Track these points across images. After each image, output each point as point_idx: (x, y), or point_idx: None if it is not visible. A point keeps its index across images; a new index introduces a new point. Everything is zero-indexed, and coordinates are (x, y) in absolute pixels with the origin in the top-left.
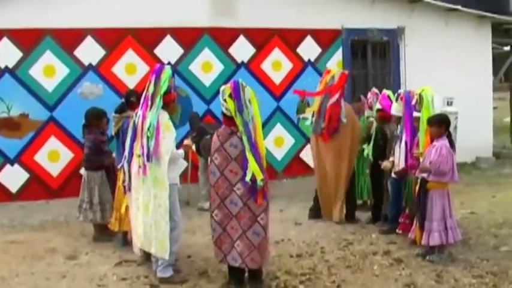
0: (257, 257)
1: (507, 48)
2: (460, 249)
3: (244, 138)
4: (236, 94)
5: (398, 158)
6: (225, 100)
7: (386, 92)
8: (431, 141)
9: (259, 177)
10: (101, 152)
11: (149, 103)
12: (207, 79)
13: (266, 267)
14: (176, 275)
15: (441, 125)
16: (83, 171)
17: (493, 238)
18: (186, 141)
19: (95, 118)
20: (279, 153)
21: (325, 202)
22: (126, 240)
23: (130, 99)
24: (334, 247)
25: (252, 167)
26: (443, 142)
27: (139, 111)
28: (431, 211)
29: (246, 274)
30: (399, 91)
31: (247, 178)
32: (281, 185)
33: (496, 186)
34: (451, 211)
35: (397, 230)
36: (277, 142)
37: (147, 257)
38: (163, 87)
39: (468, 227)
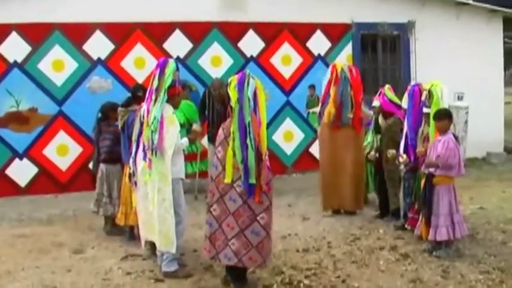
0: (256, 256)
1: None
2: (468, 244)
3: (236, 136)
4: (240, 86)
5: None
6: (229, 91)
7: (385, 87)
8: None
9: (251, 179)
10: (120, 145)
11: (153, 97)
12: (216, 73)
13: (268, 266)
14: (181, 269)
15: (450, 118)
16: (91, 165)
17: (501, 234)
18: (195, 126)
19: (112, 111)
20: (289, 148)
21: (333, 192)
22: (132, 235)
23: (137, 94)
24: (341, 242)
25: (228, 165)
26: (449, 136)
27: (144, 106)
28: (438, 206)
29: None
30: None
31: (226, 179)
32: (290, 179)
33: (507, 181)
34: (458, 206)
35: (405, 225)
36: (287, 137)
37: (153, 251)
38: (168, 81)
39: (476, 222)
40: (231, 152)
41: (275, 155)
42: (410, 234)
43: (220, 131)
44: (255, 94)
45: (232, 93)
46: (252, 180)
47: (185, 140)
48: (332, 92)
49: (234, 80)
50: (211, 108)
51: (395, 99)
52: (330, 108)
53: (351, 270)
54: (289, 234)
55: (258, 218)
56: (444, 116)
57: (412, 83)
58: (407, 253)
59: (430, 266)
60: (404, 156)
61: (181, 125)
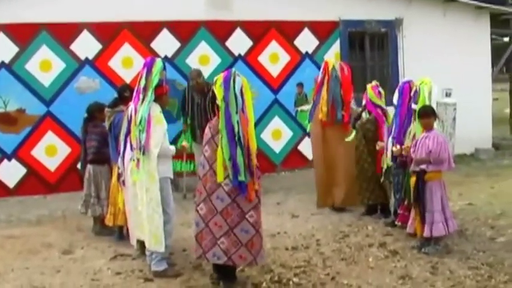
0: (245, 254)
1: (506, 39)
2: (456, 240)
3: (224, 134)
4: (226, 84)
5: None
6: (215, 89)
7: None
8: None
9: (240, 177)
10: (107, 145)
11: (141, 96)
12: (204, 72)
13: (259, 264)
14: (170, 268)
15: (432, 116)
16: (80, 166)
17: (490, 229)
18: (185, 143)
19: (99, 111)
20: (277, 146)
21: (328, 190)
22: (121, 235)
23: (124, 94)
24: (330, 239)
25: (219, 164)
26: (436, 131)
27: (132, 105)
28: (432, 202)
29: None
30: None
31: (218, 179)
32: (279, 177)
33: (495, 177)
34: (447, 201)
35: (396, 222)
36: (275, 135)
37: (142, 251)
38: (155, 80)
39: (465, 218)
40: (220, 151)
41: (264, 154)
42: (400, 231)
43: (207, 129)
44: (241, 92)
45: (218, 92)
46: (242, 178)
47: (173, 148)
48: (323, 90)
49: (219, 78)
50: (190, 101)
51: (375, 99)
52: (322, 106)
53: (340, 267)
54: (278, 233)
55: (247, 216)
56: (429, 114)
57: (404, 79)
58: (396, 250)
59: (419, 262)
60: (398, 146)
61: None
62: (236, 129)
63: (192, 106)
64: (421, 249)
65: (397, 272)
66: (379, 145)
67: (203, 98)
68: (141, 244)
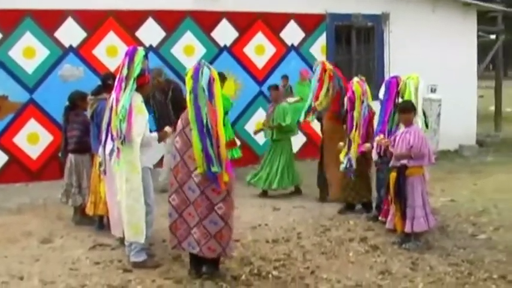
0: (214, 246)
1: (493, 36)
2: (437, 236)
3: (194, 126)
4: (195, 76)
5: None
6: (186, 81)
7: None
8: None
9: (213, 168)
10: (89, 134)
11: (123, 86)
12: (189, 63)
13: (229, 256)
14: (149, 259)
15: (412, 111)
16: (61, 154)
17: (471, 226)
18: (167, 128)
19: (80, 100)
20: (261, 138)
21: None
22: (101, 224)
23: (108, 82)
24: (311, 233)
25: (197, 156)
26: (416, 127)
27: (113, 94)
28: (413, 197)
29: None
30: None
31: (199, 170)
32: None
33: (478, 174)
34: (428, 196)
35: (379, 217)
36: (260, 126)
37: (122, 241)
38: (137, 70)
39: (447, 215)
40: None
41: (247, 145)
42: (381, 226)
43: (179, 121)
44: (209, 84)
45: (188, 83)
46: (215, 169)
47: (155, 135)
48: (330, 87)
49: (190, 70)
50: (151, 97)
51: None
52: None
53: (320, 261)
54: (260, 225)
55: (215, 208)
56: (409, 109)
57: (392, 75)
58: (377, 245)
59: (399, 258)
60: (381, 135)
61: None
62: (205, 121)
63: (154, 103)
64: (402, 245)
65: (377, 267)
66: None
67: (164, 95)
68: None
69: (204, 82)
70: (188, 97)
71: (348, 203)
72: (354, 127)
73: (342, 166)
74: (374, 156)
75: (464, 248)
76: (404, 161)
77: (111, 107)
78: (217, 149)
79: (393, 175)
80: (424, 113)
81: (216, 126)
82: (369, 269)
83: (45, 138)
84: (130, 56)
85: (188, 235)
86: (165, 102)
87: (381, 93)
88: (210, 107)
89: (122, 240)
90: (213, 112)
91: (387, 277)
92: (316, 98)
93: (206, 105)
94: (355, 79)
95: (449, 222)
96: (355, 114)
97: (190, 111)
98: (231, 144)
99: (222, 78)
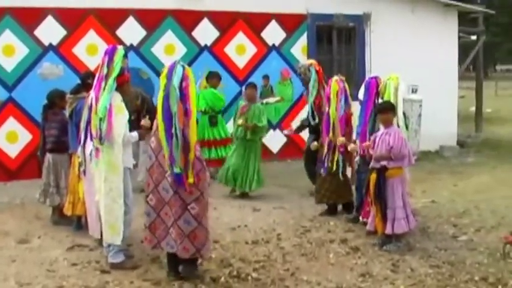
0: (188, 246)
1: (474, 37)
2: (418, 238)
3: (161, 125)
4: (168, 75)
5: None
6: (160, 80)
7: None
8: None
9: (176, 169)
10: (67, 134)
11: (102, 85)
12: (169, 62)
13: (205, 257)
14: (128, 260)
15: (391, 112)
16: (39, 153)
17: (452, 227)
18: (144, 121)
19: (59, 98)
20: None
21: None
22: (80, 225)
23: (87, 81)
24: (291, 234)
25: (166, 156)
26: (396, 127)
27: (93, 93)
28: (393, 199)
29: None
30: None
31: (168, 170)
32: None
33: (459, 175)
34: (408, 197)
35: (360, 218)
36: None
37: (100, 241)
38: (116, 69)
39: (428, 216)
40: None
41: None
42: (361, 227)
43: (155, 122)
44: (182, 83)
45: (162, 82)
46: (177, 170)
47: (135, 134)
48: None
49: (165, 69)
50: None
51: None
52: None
53: (300, 263)
54: (239, 226)
55: (188, 208)
56: (388, 109)
57: (371, 75)
58: (358, 246)
59: (380, 259)
60: (353, 144)
61: (204, 112)
62: (173, 121)
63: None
64: (383, 247)
65: (357, 269)
66: (339, 140)
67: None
68: (101, 234)
69: (176, 81)
70: (159, 95)
71: (328, 205)
72: (331, 126)
73: (318, 167)
74: (357, 158)
75: (446, 249)
76: (384, 162)
77: (91, 106)
78: (183, 151)
79: (373, 176)
80: (404, 114)
81: (187, 126)
82: (350, 271)
83: (24, 137)
84: (110, 54)
85: (167, 235)
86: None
87: (361, 94)
88: (180, 107)
89: (100, 241)
90: (181, 112)
91: (368, 279)
92: (319, 100)
93: (176, 105)
94: (335, 77)
95: (430, 223)
96: (331, 111)
97: (159, 109)
98: (226, 141)
99: (218, 77)
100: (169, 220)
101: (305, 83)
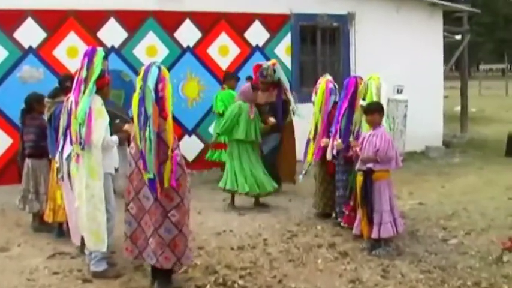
0: (170, 255)
1: (458, 37)
2: (408, 242)
3: (136, 128)
4: (144, 76)
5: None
6: (137, 81)
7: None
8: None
9: (148, 174)
10: (46, 138)
11: (82, 88)
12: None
13: (185, 264)
14: (110, 268)
15: (380, 113)
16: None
17: (442, 230)
18: (127, 126)
19: (37, 103)
20: None
21: None
22: (61, 231)
23: (65, 84)
24: (278, 239)
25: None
26: (383, 129)
27: (72, 97)
28: (380, 202)
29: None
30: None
31: (145, 176)
32: None
33: (446, 176)
34: (395, 200)
35: (341, 223)
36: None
37: (82, 249)
38: (96, 71)
39: (416, 219)
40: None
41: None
42: (349, 231)
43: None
44: (157, 85)
45: (138, 83)
46: (150, 175)
47: (115, 138)
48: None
49: (142, 70)
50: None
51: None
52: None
53: (287, 269)
54: (224, 231)
55: (169, 215)
56: (374, 110)
57: (352, 75)
58: (346, 251)
59: (370, 265)
60: (339, 140)
61: (221, 114)
62: (148, 123)
63: None
64: (372, 251)
65: (346, 275)
66: (323, 142)
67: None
68: (82, 242)
69: (151, 83)
70: (134, 97)
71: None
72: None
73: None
74: (328, 155)
75: (436, 253)
76: (370, 165)
77: (70, 110)
78: (157, 155)
79: (359, 179)
80: (387, 115)
81: (164, 130)
82: (339, 277)
83: (4, 141)
84: (90, 56)
85: (147, 245)
86: None
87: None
88: (155, 108)
89: (81, 248)
90: (157, 113)
91: (358, 286)
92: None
93: (152, 107)
94: (327, 77)
95: (419, 226)
96: (315, 111)
97: (134, 112)
98: (219, 146)
99: (235, 78)
100: (149, 230)
101: (268, 85)
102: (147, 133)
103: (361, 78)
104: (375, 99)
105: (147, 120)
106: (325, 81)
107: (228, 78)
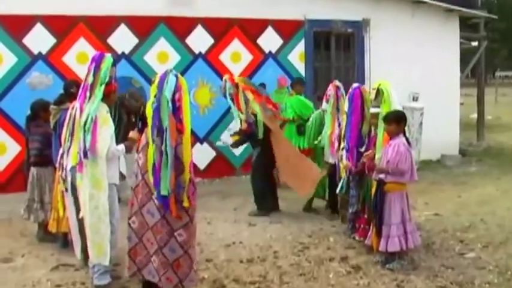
0: (172, 276)
1: (475, 43)
2: (423, 255)
3: (150, 140)
4: (160, 85)
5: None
6: (151, 89)
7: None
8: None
9: (162, 191)
10: (51, 146)
11: (88, 94)
12: (162, 70)
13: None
14: (114, 282)
15: (400, 122)
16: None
17: (459, 243)
18: (132, 133)
19: (43, 110)
20: (237, 149)
21: None
22: (66, 242)
23: (70, 90)
24: (289, 252)
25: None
26: (401, 140)
27: (77, 103)
28: (390, 215)
29: None
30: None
31: (154, 194)
32: (239, 181)
33: (462, 185)
34: (410, 214)
35: (356, 237)
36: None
37: (86, 261)
38: (103, 78)
39: (432, 230)
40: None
41: (223, 156)
42: (362, 244)
43: (143, 136)
44: (175, 95)
45: (152, 91)
46: (164, 192)
47: (122, 147)
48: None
49: (156, 78)
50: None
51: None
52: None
53: (298, 284)
54: (234, 243)
55: (175, 234)
56: (391, 120)
57: (355, 85)
58: (359, 265)
59: (383, 279)
60: (345, 162)
61: (293, 121)
62: (164, 136)
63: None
64: (386, 265)
65: None
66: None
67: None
68: (85, 254)
69: (168, 92)
70: (149, 106)
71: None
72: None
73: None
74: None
75: (453, 268)
76: (382, 176)
77: (74, 117)
78: (174, 170)
79: (373, 189)
80: None
81: (180, 144)
82: None
83: (13, 148)
84: (97, 62)
85: (148, 262)
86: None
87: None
88: (172, 121)
89: (85, 260)
90: (173, 127)
91: None
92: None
93: (168, 119)
94: (336, 83)
95: (434, 238)
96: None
97: (148, 122)
98: (308, 153)
99: (302, 83)
100: (152, 248)
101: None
102: (163, 147)
103: (364, 87)
104: (392, 104)
105: (162, 133)
106: (335, 88)
107: (294, 83)
